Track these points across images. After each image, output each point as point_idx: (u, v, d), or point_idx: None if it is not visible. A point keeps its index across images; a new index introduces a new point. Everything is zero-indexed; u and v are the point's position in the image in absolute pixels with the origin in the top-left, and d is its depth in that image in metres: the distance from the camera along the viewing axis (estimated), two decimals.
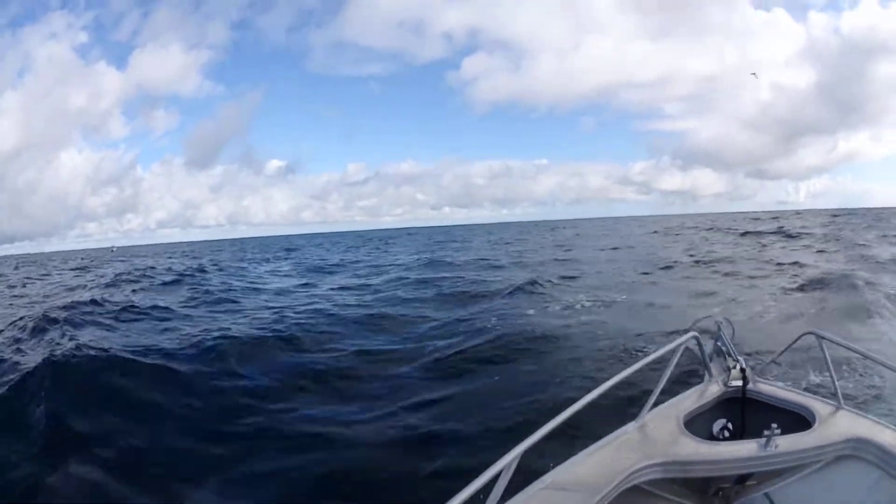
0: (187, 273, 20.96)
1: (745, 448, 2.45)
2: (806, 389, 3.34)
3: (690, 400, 2.86)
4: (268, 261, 32.58)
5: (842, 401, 2.71)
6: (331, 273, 21.73)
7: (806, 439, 2.48)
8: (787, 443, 2.43)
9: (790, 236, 26.27)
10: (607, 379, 2.40)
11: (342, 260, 29.72)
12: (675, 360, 2.70)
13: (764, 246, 22.73)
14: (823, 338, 2.79)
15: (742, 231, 32.98)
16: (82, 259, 50.20)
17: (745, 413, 2.90)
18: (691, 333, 2.79)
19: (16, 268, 42.03)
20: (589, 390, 2.28)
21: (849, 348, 2.80)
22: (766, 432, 2.42)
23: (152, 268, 24.69)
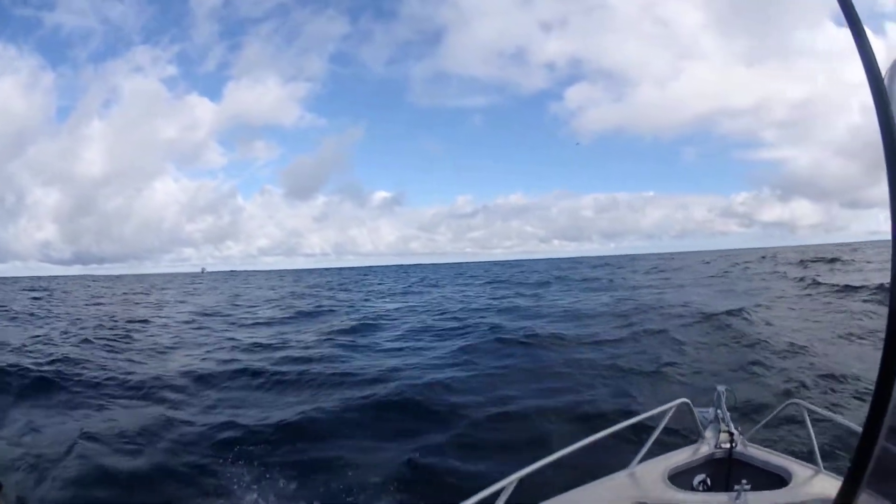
0: None
1: (717, 500, 2.69)
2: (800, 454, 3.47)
3: (681, 456, 3.13)
4: None
5: (821, 464, 2.91)
6: None
7: (777, 496, 2.64)
8: (758, 499, 2.60)
9: None
10: (604, 428, 2.91)
11: None
12: (665, 420, 3.13)
13: None
14: (806, 408, 3.20)
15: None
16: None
17: (730, 473, 3.12)
18: (682, 399, 3.25)
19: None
20: (589, 434, 2.79)
21: (830, 419, 3.16)
22: (736, 487, 2.63)
23: None
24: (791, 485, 2.74)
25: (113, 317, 19.01)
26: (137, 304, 27.42)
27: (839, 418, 3.12)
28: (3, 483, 2.85)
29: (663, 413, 3.14)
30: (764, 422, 3.60)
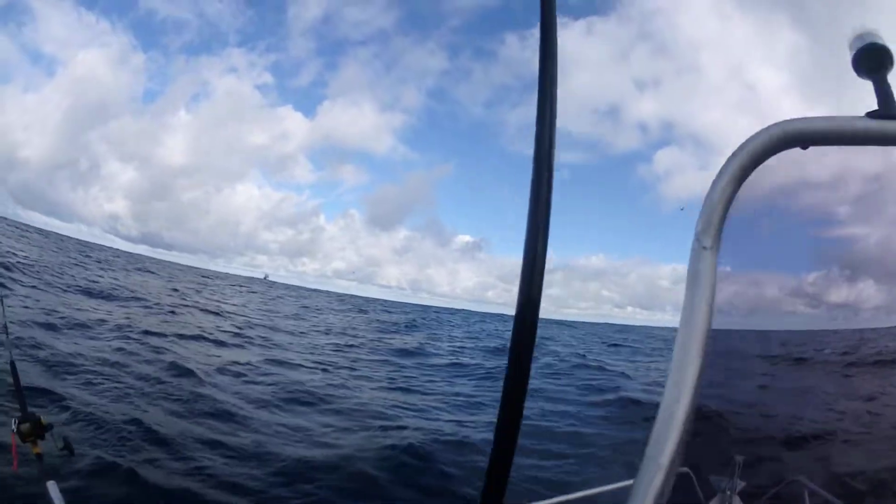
0: None
1: None
2: None
3: None
4: None
5: None
6: None
7: None
8: None
9: None
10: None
11: None
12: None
13: None
14: (808, 487, 2.88)
15: None
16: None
17: None
18: (681, 468, 2.59)
19: None
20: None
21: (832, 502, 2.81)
22: None
23: None
24: None
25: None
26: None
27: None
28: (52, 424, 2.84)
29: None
30: (763, 499, 3.18)
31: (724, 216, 0.90)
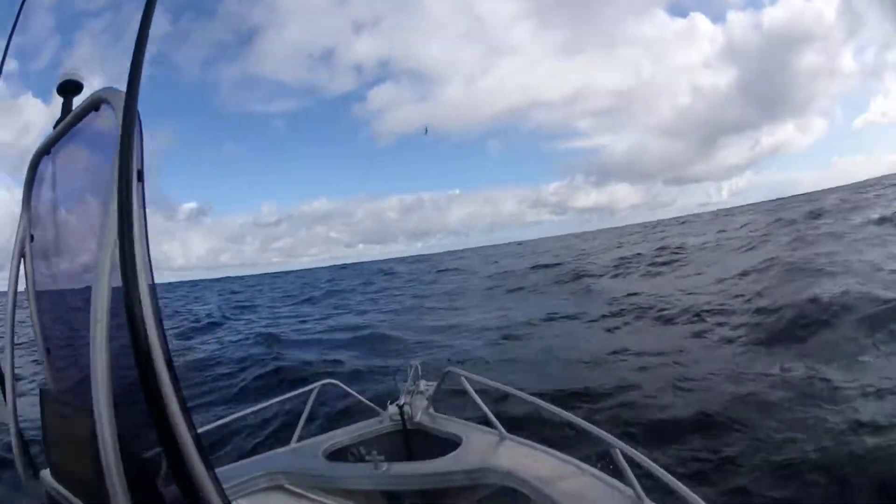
0: None
1: (360, 468, 2.88)
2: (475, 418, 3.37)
3: (355, 430, 3.35)
4: None
5: (501, 429, 2.97)
6: None
7: (438, 464, 2.76)
8: (402, 468, 2.83)
9: None
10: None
11: None
12: (312, 398, 3.42)
13: None
14: (462, 375, 3.18)
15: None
16: None
17: (409, 444, 3.29)
18: (326, 380, 3.62)
19: None
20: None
21: (485, 384, 3.18)
22: (367, 458, 2.89)
23: None
24: (459, 450, 2.86)
25: None
26: None
27: (489, 381, 3.26)
28: None
29: (307, 393, 3.46)
30: (432, 391, 3.62)
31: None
